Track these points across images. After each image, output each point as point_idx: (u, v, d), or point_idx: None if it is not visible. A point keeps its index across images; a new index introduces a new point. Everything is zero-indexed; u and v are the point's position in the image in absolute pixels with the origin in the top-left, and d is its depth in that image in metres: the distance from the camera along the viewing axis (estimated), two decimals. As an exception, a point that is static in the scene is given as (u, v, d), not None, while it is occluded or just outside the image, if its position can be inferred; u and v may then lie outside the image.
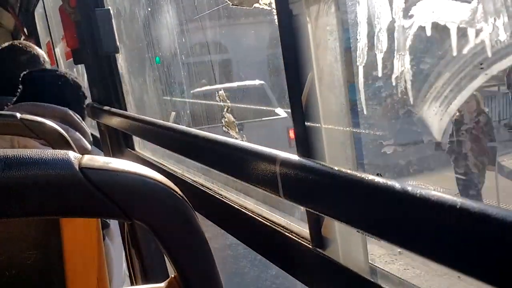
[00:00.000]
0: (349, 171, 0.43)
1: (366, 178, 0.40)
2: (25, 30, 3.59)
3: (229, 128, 1.01)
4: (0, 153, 0.38)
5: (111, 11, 1.51)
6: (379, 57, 0.51)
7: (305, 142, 0.58)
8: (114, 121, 1.34)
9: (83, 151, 1.37)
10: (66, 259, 0.97)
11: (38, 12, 3.49)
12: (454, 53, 0.38)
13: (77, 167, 0.39)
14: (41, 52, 1.88)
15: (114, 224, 1.52)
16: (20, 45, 1.83)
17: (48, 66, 1.88)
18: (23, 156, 0.38)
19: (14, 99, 1.54)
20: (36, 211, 0.40)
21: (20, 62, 1.76)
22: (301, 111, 0.57)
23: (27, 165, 0.38)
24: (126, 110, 1.59)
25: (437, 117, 0.44)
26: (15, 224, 0.96)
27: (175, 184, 0.43)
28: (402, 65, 0.45)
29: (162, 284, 0.50)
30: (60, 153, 0.39)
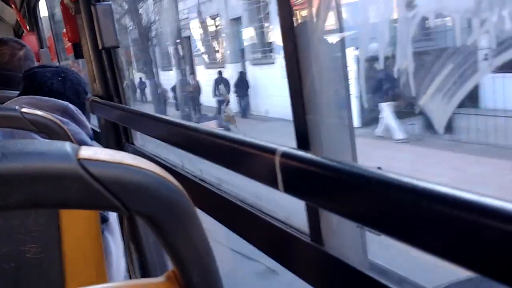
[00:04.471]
0: (348, 164, 0.43)
1: (366, 171, 0.40)
2: (26, 25, 3.59)
3: (229, 122, 1.01)
4: (-3, 144, 0.37)
5: (112, 6, 1.50)
6: (380, 50, 0.50)
7: (305, 135, 0.57)
8: (114, 115, 1.34)
9: (83, 144, 1.37)
10: (65, 252, 0.97)
11: (40, 7, 3.48)
12: (458, 44, 0.38)
13: (75, 158, 0.38)
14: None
15: (114, 218, 1.52)
16: (15, 42, 1.97)
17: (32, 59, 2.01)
18: (21, 146, 0.38)
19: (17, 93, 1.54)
20: (33, 202, 0.40)
21: (19, 57, 1.90)
22: (301, 104, 0.57)
23: (25, 156, 0.37)
24: (126, 104, 1.59)
25: (440, 109, 0.44)
26: (14, 217, 0.96)
27: (174, 178, 0.43)
28: (404, 57, 0.45)
29: (161, 278, 0.50)
30: (58, 144, 0.39)
